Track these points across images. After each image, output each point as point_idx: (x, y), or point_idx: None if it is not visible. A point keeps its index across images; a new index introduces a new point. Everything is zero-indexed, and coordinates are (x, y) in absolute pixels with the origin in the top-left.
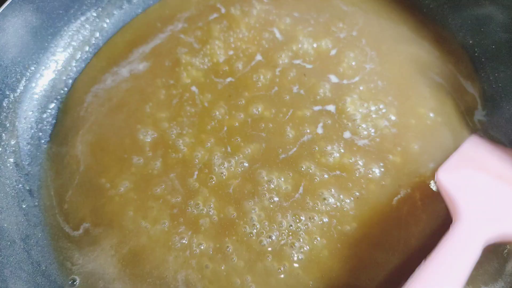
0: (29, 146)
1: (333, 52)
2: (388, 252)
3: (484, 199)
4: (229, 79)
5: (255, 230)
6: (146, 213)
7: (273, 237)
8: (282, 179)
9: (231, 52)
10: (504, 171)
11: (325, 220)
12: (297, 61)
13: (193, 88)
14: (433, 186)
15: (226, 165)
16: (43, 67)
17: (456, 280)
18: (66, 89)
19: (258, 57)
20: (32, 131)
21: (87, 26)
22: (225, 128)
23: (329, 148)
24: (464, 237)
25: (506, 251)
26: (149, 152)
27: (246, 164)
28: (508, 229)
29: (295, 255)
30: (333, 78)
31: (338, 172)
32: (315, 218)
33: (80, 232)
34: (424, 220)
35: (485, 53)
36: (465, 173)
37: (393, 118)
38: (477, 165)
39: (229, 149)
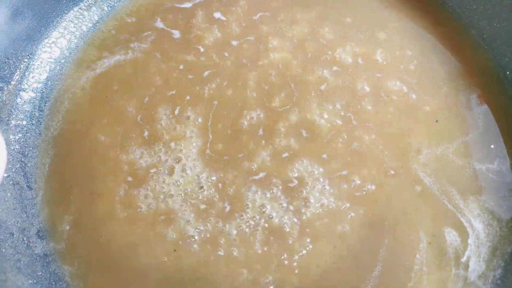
0: (24, 138)
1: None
2: None
3: None
4: None
5: None
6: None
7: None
8: None
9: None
10: None
11: None
12: None
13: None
14: None
15: None
16: (37, 59)
17: None
18: (61, 79)
19: None
20: (28, 123)
21: (80, 15)
22: None
23: None
24: None
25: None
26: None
27: None
28: None
29: None
30: None
31: None
32: None
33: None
34: None
35: None
36: None
37: None
38: None
39: None
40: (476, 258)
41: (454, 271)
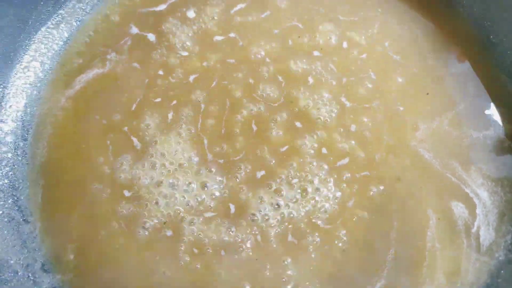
0: (13, 171)
1: None
2: None
3: None
4: None
5: None
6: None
7: None
8: None
9: None
10: None
11: None
12: None
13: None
14: None
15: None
16: (12, 86)
17: None
18: (40, 103)
19: None
20: (13, 155)
21: (49, 35)
22: None
23: None
24: None
25: None
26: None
27: None
28: None
29: None
30: None
31: None
32: None
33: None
34: None
35: None
36: None
37: None
38: None
39: None
40: (485, 227)
41: (466, 243)
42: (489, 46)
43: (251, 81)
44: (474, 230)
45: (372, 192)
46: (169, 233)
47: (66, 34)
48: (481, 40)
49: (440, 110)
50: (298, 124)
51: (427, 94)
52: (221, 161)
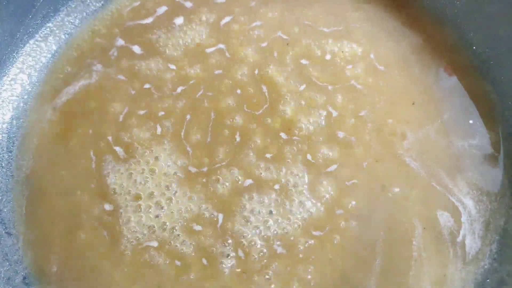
0: None
1: None
2: None
3: None
4: None
5: None
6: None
7: None
8: None
9: None
10: None
11: None
12: None
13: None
14: None
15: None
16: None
17: None
18: (27, 116)
19: None
20: None
21: (37, 48)
22: None
23: None
24: None
25: None
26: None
27: None
28: None
29: None
30: None
31: None
32: None
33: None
34: None
35: None
36: None
37: None
38: None
39: None
40: (471, 235)
41: (452, 252)
42: (473, 57)
43: (238, 91)
44: (459, 239)
45: (357, 200)
46: (154, 244)
47: (54, 47)
48: (466, 51)
49: (427, 119)
50: (282, 134)
51: (413, 103)
52: (205, 169)
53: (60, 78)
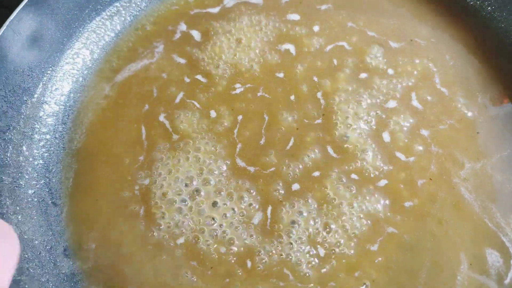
0: (48, 153)
1: None
2: None
3: None
4: None
5: None
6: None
7: None
8: None
9: None
10: None
11: None
12: None
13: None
14: None
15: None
16: (60, 70)
17: None
18: (84, 91)
19: None
20: (51, 137)
21: (102, 25)
22: None
23: None
24: None
25: None
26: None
27: None
28: None
29: None
30: None
31: None
32: None
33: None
34: None
35: None
36: None
37: None
38: None
39: None
40: None
41: None
42: None
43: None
44: (507, 281)
45: (406, 227)
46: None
47: (118, 27)
48: None
49: (487, 151)
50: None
51: (478, 132)
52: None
53: (121, 56)
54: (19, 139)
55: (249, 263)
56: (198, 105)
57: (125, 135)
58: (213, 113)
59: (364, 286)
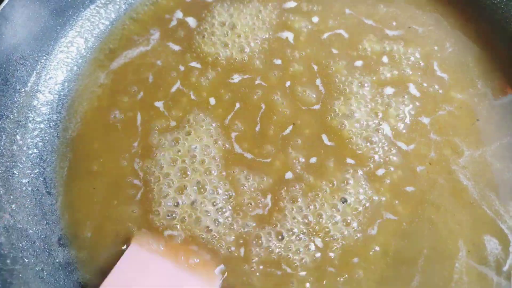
0: (43, 142)
1: None
2: None
3: None
4: None
5: None
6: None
7: None
8: None
9: None
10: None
11: None
12: None
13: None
14: None
15: None
16: (54, 59)
17: None
18: (78, 79)
19: None
20: (46, 126)
21: (96, 13)
22: None
23: None
24: None
25: None
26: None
27: None
28: None
29: None
30: None
31: None
32: None
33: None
34: None
35: None
36: None
37: None
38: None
39: None
40: None
41: (495, 280)
42: None
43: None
44: (505, 268)
45: (404, 215)
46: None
47: (113, 15)
48: None
49: (486, 139)
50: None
51: (477, 120)
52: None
53: (116, 43)
54: (13, 128)
55: (242, 251)
56: (193, 92)
57: (120, 123)
58: (211, 100)
59: (362, 272)
